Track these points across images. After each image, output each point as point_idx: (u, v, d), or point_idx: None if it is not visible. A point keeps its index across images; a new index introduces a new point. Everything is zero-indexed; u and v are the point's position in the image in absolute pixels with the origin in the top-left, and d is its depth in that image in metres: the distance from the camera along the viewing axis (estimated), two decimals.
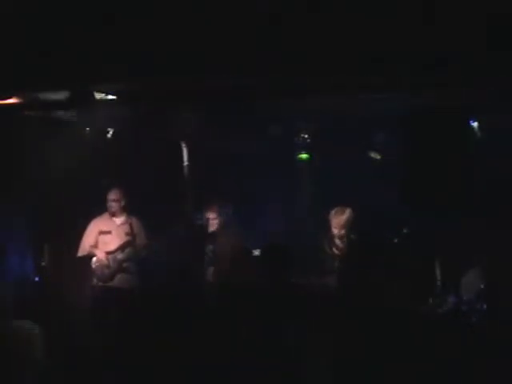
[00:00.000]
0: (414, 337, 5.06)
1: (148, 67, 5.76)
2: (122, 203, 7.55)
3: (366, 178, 7.87)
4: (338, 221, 6.83)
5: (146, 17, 5.61)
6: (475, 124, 7.08)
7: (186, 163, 8.04)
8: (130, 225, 7.49)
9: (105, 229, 7.57)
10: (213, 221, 7.37)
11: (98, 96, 6.69)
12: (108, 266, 7.40)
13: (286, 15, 5.43)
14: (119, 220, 7.60)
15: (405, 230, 7.16)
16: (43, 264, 7.69)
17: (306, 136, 8.15)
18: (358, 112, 7.06)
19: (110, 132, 7.76)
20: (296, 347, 5.47)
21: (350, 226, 6.81)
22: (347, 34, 5.40)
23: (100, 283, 7.40)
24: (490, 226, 6.98)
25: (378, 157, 7.95)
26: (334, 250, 6.84)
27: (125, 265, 7.45)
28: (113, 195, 7.57)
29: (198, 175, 8.07)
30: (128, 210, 7.58)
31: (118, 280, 7.43)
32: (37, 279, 7.59)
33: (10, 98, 6.54)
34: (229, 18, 5.46)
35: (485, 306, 6.10)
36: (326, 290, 6.10)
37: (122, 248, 7.48)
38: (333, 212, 6.89)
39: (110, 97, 6.72)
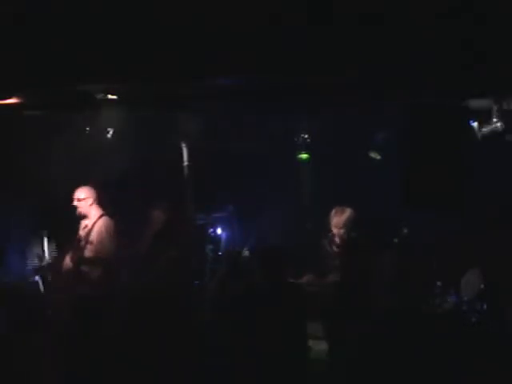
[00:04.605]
0: (414, 336, 5.07)
1: (148, 67, 5.76)
2: (90, 202, 7.13)
3: (366, 177, 7.85)
4: (338, 220, 6.87)
5: (146, 17, 5.61)
6: (475, 124, 7.07)
7: (185, 163, 8.01)
8: (91, 227, 7.08)
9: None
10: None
11: (98, 96, 6.70)
12: (62, 276, 7.00)
13: (286, 15, 5.44)
14: (84, 223, 7.19)
15: (405, 230, 7.16)
16: (43, 264, 7.66)
17: (306, 136, 8.15)
18: (358, 112, 7.06)
19: (110, 132, 7.73)
20: (296, 346, 5.47)
21: (350, 225, 6.84)
22: (347, 35, 5.41)
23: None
24: (489, 226, 6.98)
25: (378, 157, 7.94)
26: (335, 248, 6.85)
27: (78, 272, 6.99)
28: (79, 194, 7.14)
29: (198, 175, 8.05)
30: (102, 208, 7.20)
31: (72, 290, 6.84)
32: (37, 279, 7.56)
33: (10, 98, 6.54)
34: (228, 18, 5.46)
35: (485, 306, 6.10)
36: (326, 289, 6.11)
37: (73, 256, 7.05)
38: (333, 211, 6.93)
39: (110, 97, 6.73)
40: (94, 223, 7.18)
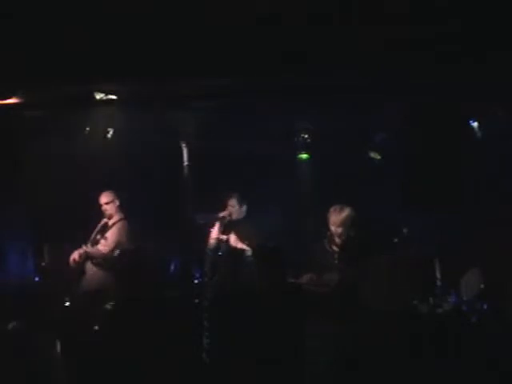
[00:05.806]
0: (414, 336, 5.07)
1: (148, 67, 5.77)
2: (117, 203, 7.38)
3: (366, 177, 7.85)
4: (336, 218, 6.77)
5: (146, 17, 5.62)
6: (475, 124, 7.07)
7: (185, 163, 8.01)
8: (111, 226, 7.30)
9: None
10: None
11: (98, 96, 6.71)
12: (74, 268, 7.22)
13: (286, 15, 5.45)
14: (104, 221, 7.41)
15: (405, 230, 7.15)
16: (43, 264, 7.67)
17: (306, 136, 8.15)
18: (358, 112, 7.07)
19: (110, 132, 7.72)
20: (295, 346, 5.47)
21: (349, 224, 6.76)
22: (346, 35, 5.42)
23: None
24: (489, 225, 6.98)
25: (378, 157, 7.94)
26: (334, 247, 6.81)
27: (89, 266, 7.18)
28: (104, 198, 7.39)
29: (198, 175, 8.06)
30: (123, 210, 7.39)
31: (83, 281, 7.18)
32: (37, 279, 7.57)
33: (10, 98, 6.55)
34: (228, 18, 5.47)
35: (485, 306, 6.10)
36: (326, 288, 6.10)
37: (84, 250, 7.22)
38: (331, 209, 6.85)
39: (110, 97, 6.74)
40: (114, 223, 7.35)
